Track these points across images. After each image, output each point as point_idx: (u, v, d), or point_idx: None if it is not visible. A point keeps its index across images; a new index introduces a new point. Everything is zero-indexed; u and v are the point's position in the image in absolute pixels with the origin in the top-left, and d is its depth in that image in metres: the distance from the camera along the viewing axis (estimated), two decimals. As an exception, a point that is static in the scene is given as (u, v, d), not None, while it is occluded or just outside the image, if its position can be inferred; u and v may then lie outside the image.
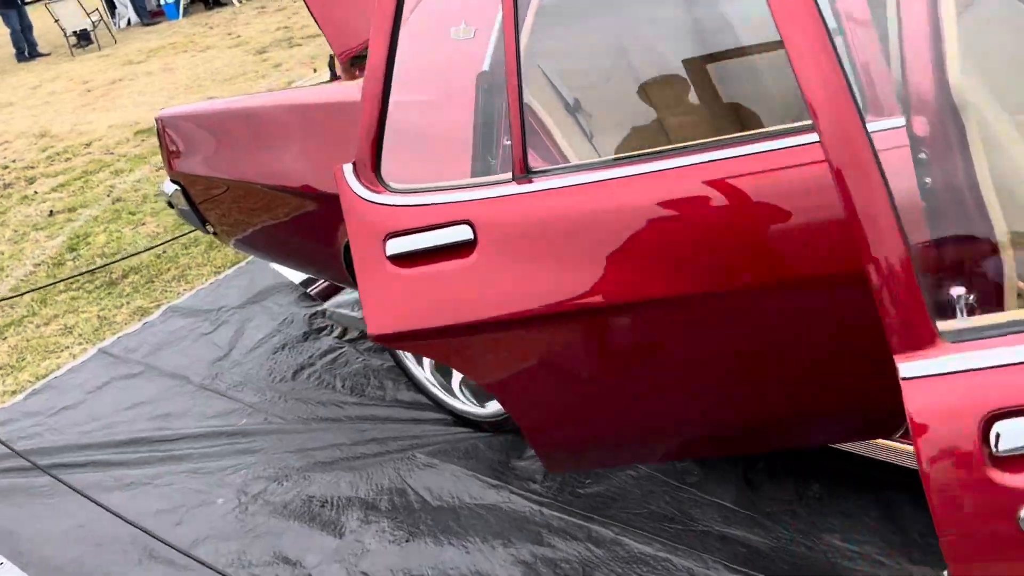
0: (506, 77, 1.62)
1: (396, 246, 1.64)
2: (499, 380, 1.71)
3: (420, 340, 1.63)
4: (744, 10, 2.67)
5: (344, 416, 2.87)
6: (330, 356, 3.24)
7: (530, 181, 1.62)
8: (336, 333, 3.40)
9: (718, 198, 1.52)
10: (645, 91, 2.43)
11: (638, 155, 1.60)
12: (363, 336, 3.33)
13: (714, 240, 1.54)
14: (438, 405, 2.76)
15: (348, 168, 1.71)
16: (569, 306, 1.58)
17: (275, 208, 2.85)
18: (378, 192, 1.66)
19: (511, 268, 1.59)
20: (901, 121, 1.48)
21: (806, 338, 1.64)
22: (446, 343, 1.65)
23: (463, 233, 1.61)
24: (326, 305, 3.61)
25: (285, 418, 2.92)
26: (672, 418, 1.77)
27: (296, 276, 3.82)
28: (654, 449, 1.85)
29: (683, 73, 2.50)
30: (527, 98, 2.11)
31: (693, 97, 2.45)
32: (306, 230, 2.84)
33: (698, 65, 2.52)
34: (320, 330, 3.45)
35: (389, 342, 1.66)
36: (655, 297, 1.55)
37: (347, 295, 3.64)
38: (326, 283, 3.73)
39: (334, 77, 6.80)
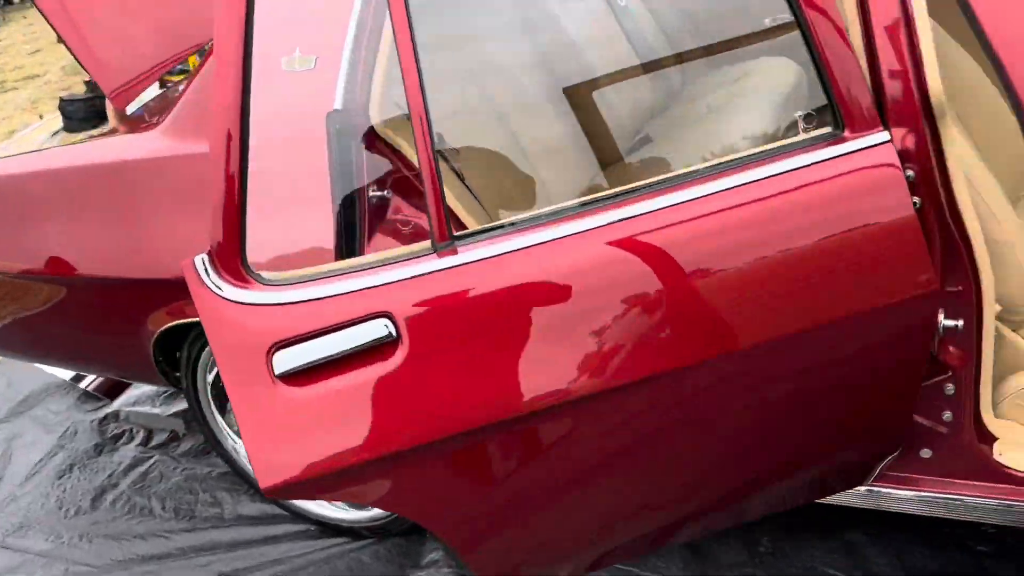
0: (411, 119, 1.23)
1: (287, 360, 1.19)
2: (441, 512, 1.31)
3: (335, 485, 1.20)
4: (590, 33, 2.48)
5: (175, 549, 2.28)
6: (138, 470, 2.61)
7: (454, 252, 1.24)
8: (139, 439, 2.76)
9: (709, 246, 1.23)
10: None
11: (591, 201, 1.28)
12: (175, 438, 2.73)
13: (700, 298, 1.25)
14: (296, 514, 2.26)
15: (201, 261, 1.23)
16: (531, 406, 1.22)
17: (41, 299, 2.25)
18: (251, 288, 1.21)
19: (450, 366, 1.21)
20: (885, 136, 1.27)
21: (784, 401, 1.41)
22: (370, 483, 1.22)
23: (381, 329, 1.20)
24: (117, 404, 2.95)
25: (94, 565, 2.28)
26: (659, 509, 1.47)
27: (64, 372, 3.08)
28: (628, 548, 1.53)
29: (545, 99, 2.23)
30: (388, 137, 1.73)
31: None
32: (92, 322, 2.25)
33: (558, 91, 2.27)
34: (116, 438, 2.79)
35: (291, 493, 1.21)
36: (638, 378, 1.24)
37: (140, 388, 3.00)
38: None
39: (69, 122, 5.85)
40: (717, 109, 2.47)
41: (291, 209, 1.53)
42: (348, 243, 1.63)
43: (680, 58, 2.83)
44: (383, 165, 1.71)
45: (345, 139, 1.67)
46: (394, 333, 1.19)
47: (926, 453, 1.55)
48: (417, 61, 1.21)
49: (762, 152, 1.31)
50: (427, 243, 1.25)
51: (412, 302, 1.20)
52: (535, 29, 2.38)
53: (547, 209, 1.29)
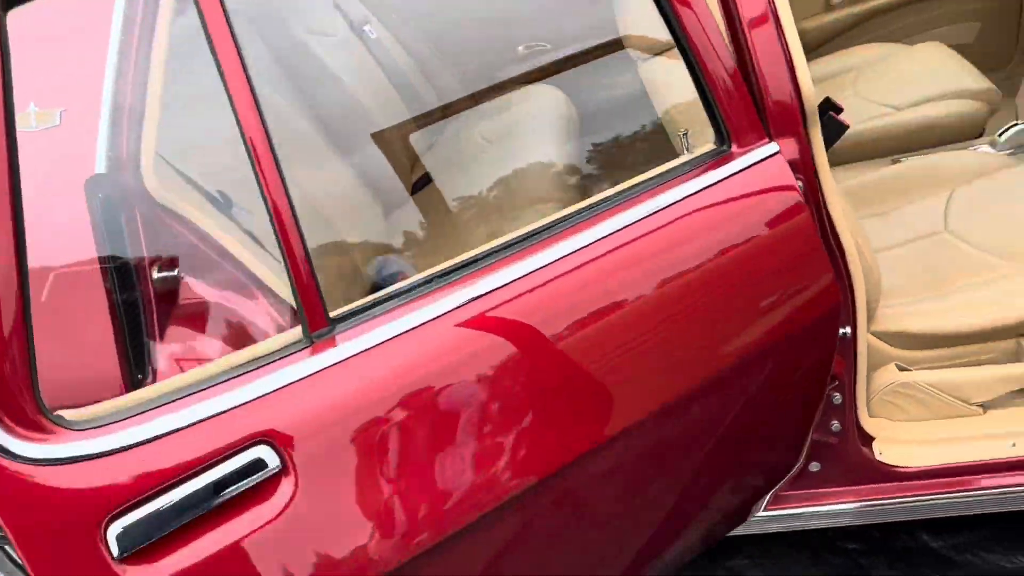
0: (258, 179, 0.93)
1: (129, 532, 0.83)
2: None
3: None
4: (349, 70, 2.25)
5: None
6: None
7: (333, 342, 0.95)
8: None
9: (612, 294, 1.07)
10: None
11: (488, 254, 1.06)
12: None
13: (615, 363, 1.08)
14: None
15: (-29, 414, 0.82)
16: (455, 523, 0.97)
17: None
18: (56, 440, 0.82)
19: (356, 492, 0.92)
20: (774, 147, 1.19)
21: (690, 455, 1.29)
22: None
23: (260, 461, 0.87)
24: None
25: None
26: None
27: None
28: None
29: (322, 146, 1.96)
30: (171, 204, 1.38)
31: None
32: None
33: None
34: None
35: None
36: (571, 460, 1.04)
37: None
38: None
39: None
40: (496, 140, 2.35)
41: (65, 311, 1.13)
42: (135, 345, 1.26)
43: (437, 89, 2.70)
44: (168, 239, 1.36)
45: (113, 210, 1.30)
46: (278, 462, 0.88)
47: (815, 467, 1.51)
48: (259, 109, 0.92)
49: (653, 179, 1.17)
50: (295, 333, 0.95)
51: (293, 416, 0.90)
52: (296, 72, 2.10)
53: (434, 270, 1.05)
